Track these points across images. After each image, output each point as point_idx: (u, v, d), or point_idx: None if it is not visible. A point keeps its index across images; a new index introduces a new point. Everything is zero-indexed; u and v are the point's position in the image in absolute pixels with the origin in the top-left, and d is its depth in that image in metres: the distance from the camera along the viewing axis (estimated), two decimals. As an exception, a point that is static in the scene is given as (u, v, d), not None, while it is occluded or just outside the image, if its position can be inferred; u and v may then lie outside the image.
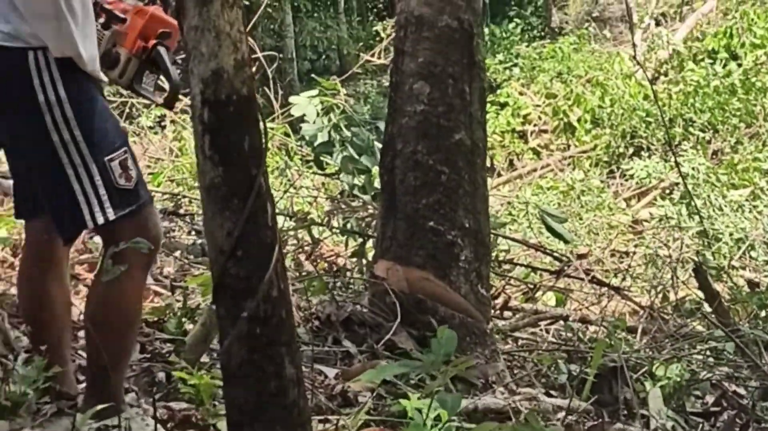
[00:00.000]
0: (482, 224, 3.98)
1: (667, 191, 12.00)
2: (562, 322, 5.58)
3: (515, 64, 17.60)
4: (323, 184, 8.31)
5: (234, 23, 1.94)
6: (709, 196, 10.70)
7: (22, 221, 2.87)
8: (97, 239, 4.70)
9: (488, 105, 3.98)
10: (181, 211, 6.76)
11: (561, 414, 3.38)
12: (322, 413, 2.89)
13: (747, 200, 10.71)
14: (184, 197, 7.20)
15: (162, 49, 2.72)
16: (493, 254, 5.53)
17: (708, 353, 4.74)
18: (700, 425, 3.83)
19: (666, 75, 15.24)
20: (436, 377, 2.40)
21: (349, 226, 6.04)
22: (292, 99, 7.56)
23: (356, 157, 6.60)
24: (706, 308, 5.47)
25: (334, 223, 6.24)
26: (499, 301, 5.77)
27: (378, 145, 6.50)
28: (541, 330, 5.52)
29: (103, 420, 2.42)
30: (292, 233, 5.98)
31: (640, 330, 5.32)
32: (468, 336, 3.76)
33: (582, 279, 6.33)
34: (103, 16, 2.70)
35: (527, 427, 2.18)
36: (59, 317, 2.77)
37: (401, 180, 3.96)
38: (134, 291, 2.55)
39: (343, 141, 6.79)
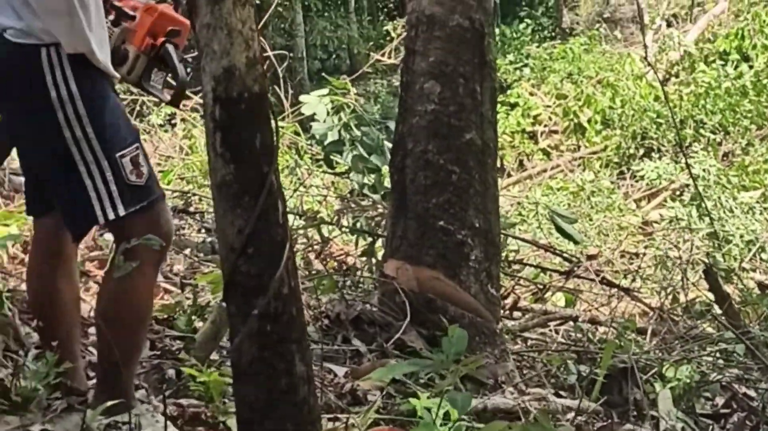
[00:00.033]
0: (492, 224, 3.98)
1: (678, 193, 11.97)
2: (571, 323, 5.58)
3: (526, 65, 17.57)
4: (333, 183, 8.31)
5: (246, 21, 1.94)
6: (719, 198, 10.66)
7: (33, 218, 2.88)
8: (108, 236, 4.72)
9: (498, 105, 3.98)
10: (191, 209, 6.78)
11: (570, 415, 3.38)
12: (332, 411, 2.90)
13: (758, 202, 10.68)
14: (194, 194, 7.21)
15: (170, 47, 2.72)
16: (503, 254, 5.52)
17: (718, 355, 4.72)
18: (710, 427, 3.83)
19: (677, 76, 15.20)
20: (445, 376, 2.40)
21: (358, 225, 6.04)
22: (302, 98, 7.57)
23: (366, 156, 6.60)
24: (717, 309, 5.46)
25: (344, 222, 6.24)
26: (509, 301, 5.76)
27: (388, 144, 6.50)
28: (550, 330, 5.51)
29: (113, 416, 2.43)
30: (301, 231, 5.98)
31: (649, 332, 5.31)
32: (477, 336, 3.76)
33: (592, 280, 6.32)
34: (113, 14, 2.71)
35: (537, 427, 2.18)
36: (69, 314, 2.78)
37: (412, 179, 3.96)
38: (145, 287, 2.56)
39: (353, 140, 6.79)
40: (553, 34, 20.86)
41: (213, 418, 2.71)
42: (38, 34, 2.45)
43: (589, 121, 14.46)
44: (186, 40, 2.86)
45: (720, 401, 4.15)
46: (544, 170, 13.52)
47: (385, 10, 23.87)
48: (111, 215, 2.48)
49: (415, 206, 3.93)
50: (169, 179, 7.70)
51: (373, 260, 5.34)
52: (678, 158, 12.53)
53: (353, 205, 6.64)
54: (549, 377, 4.08)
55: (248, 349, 1.92)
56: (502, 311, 4.67)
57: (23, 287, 3.20)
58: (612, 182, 12.59)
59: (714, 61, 14.83)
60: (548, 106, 15.15)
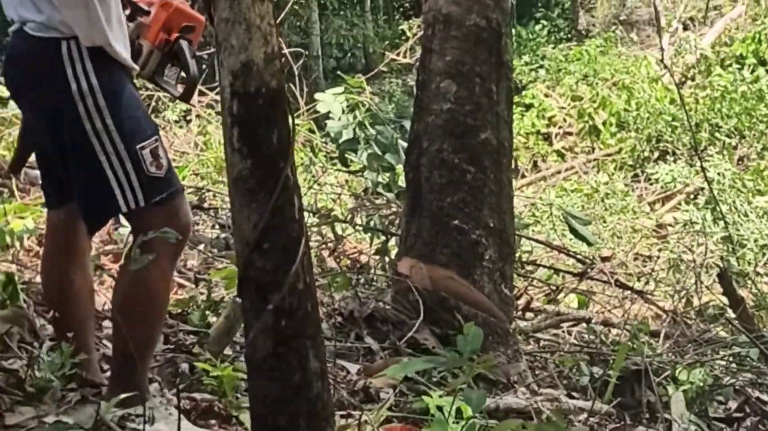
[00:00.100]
0: (507, 224, 3.97)
1: (692, 196, 11.93)
2: (584, 324, 5.56)
3: (541, 66, 17.53)
4: (347, 181, 8.31)
5: (264, 16, 1.94)
6: (734, 202, 10.62)
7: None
8: (122, 230, 4.74)
9: (513, 106, 3.98)
10: (205, 205, 6.79)
11: (583, 416, 3.37)
12: (344, 408, 2.90)
13: (773, 206, 10.63)
14: (209, 190, 7.23)
15: (184, 43, 2.73)
16: (516, 255, 5.51)
17: (731, 358, 4.71)
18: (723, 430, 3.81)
19: (693, 80, 15.14)
20: (458, 375, 2.40)
21: (372, 223, 6.04)
22: (317, 96, 7.59)
23: (381, 154, 6.61)
24: (730, 313, 5.43)
25: (358, 220, 6.24)
26: (522, 302, 5.75)
27: (402, 143, 6.51)
28: (563, 331, 5.50)
29: (127, 408, 2.44)
30: (315, 229, 5.98)
31: (662, 335, 5.29)
32: (491, 336, 3.75)
33: (605, 282, 6.30)
34: (129, 8, 2.72)
35: (551, 426, 2.17)
36: (82, 306, 2.79)
37: (426, 178, 3.96)
38: (162, 280, 2.57)
39: (367, 139, 6.80)
40: (569, 35, 20.81)
41: (226, 412, 2.72)
42: (58, 27, 2.47)
43: (603, 123, 14.42)
44: (201, 37, 2.87)
45: (733, 405, 4.13)
46: (558, 172, 13.49)
47: (401, 9, 23.84)
48: (132, 206, 2.50)
49: (430, 204, 3.92)
50: (183, 175, 7.71)
51: (387, 259, 5.34)
52: (693, 161, 12.49)
53: (367, 203, 6.64)
54: (561, 378, 4.07)
55: (263, 344, 1.92)
56: (514, 312, 4.66)
57: (38, 279, 3.22)
58: (626, 185, 12.55)
59: (730, 64, 14.77)
60: (563, 108, 15.11)
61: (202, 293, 4.03)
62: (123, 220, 4.55)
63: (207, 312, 3.73)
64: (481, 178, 3.91)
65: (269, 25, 1.95)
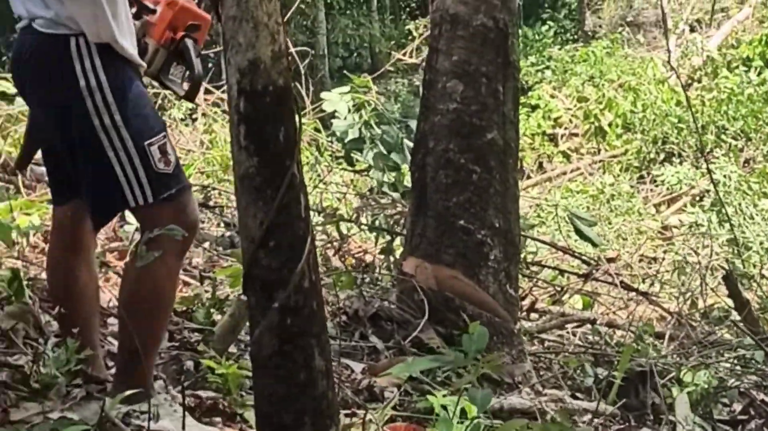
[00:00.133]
0: (512, 224, 3.97)
1: (698, 198, 11.92)
2: (589, 325, 5.56)
3: (547, 67, 17.52)
4: (352, 180, 8.31)
5: (272, 14, 1.94)
6: (740, 204, 10.61)
7: (55, 207, 2.90)
8: (128, 227, 4.74)
9: (519, 107, 3.98)
10: (211, 203, 6.79)
11: (587, 417, 3.37)
12: (349, 407, 2.90)
13: (778, 208, 10.62)
14: (214, 189, 7.24)
15: (189, 42, 2.74)
16: (521, 255, 5.51)
17: (736, 361, 4.70)
18: (727, 433, 3.81)
19: (699, 82, 15.12)
20: (462, 375, 2.40)
21: (377, 223, 6.04)
22: (323, 95, 7.59)
23: (386, 154, 6.61)
24: (735, 316, 5.43)
25: (363, 219, 6.24)
26: (526, 303, 5.74)
27: (408, 143, 6.51)
28: (567, 332, 5.50)
29: (132, 405, 2.44)
30: (320, 228, 5.99)
31: (667, 336, 5.28)
32: (495, 336, 3.74)
33: (610, 283, 6.29)
34: (135, 6, 2.73)
35: (557, 426, 2.17)
36: (87, 302, 2.80)
37: (432, 178, 3.95)
38: (168, 277, 2.57)
39: (373, 138, 6.80)
40: (576, 36, 20.80)
41: (230, 410, 2.72)
42: (67, 23, 2.48)
43: (609, 124, 14.42)
44: (207, 35, 2.88)
45: (738, 407, 4.12)
46: (564, 173, 13.48)
47: (408, 9, 23.85)
48: (140, 201, 2.51)
49: (436, 204, 3.92)
50: (189, 174, 7.69)
51: (392, 258, 5.34)
52: (699, 163, 12.48)
53: (372, 203, 6.63)
54: (566, 379, 4.07)
55: (268, 342, 1.92)
56: (519, 312, 4.65)
57: (44, 275, 3.22)
58: (632, 187, 12.55)
59: (737, 67, 14.76)
60: (569, 109, 15.11)
61: (207, 291, 4.03)
62: (129, 217, 4.56)
63: (212, 310, 3.73)
64: (487, 178, 3.91)
65: (276, 23, 1.95)
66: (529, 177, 13.66)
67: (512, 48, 4.03)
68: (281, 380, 1.93)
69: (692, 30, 17.24)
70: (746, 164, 12.89)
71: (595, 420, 3.34)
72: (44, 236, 4.44)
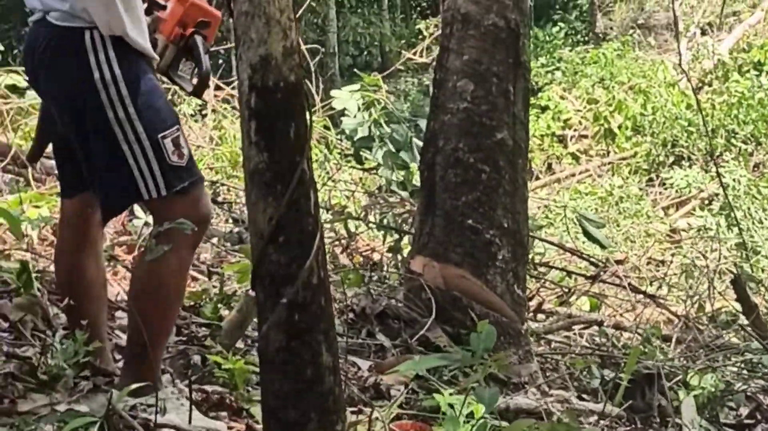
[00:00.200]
0: (521, 225, 3.97)
1: (706, 202, 11.89)
2: (596, 327, 5.55)
3: (557, 68, 17.49)
4: (361, 179, 8.32)
5: (284, 10, 1.94)
6: (749, 208, 10.59)
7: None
8: (137, 221, 4.76)
9: (529, 107, 3.99)
10: (220, 199, 6.80)
11: (593, 418, 3.36)
12: (355, 404, 2.90)
13: (788, 214, 10.60)
14: (223, 185, 7.25)
15: (198, 38, 2.74)
16: (529, 256, 5.50)
17: (743, 365, 4.69)
18: (733, 437, 3.80)
19: (710, 85, 15.09)
20: (469, 374, 2.40)
21: (385, 221, 6.04)
22: (333, 93, 7.59)
23: (395, 152, 6.61)
24: (743, 320, 5.41)
25: (371, 218, 6.24)
26: (533, 303, 5.74)
27: (417, 142, 6.51)
28: (574, 334, 5.49)
29: (139, 398, 2.45)
30: (328, 226, 5.99)
31: (674, 339, 5.28)
32: (502, 336, 3.73)
33: (618, 285, 6.29)
34: (146, 2, 2.73)
35: (563, 426, 2.17)
36: (95, 295, 2.80)
37: (441, 177, 3.95)
38: (179, 271, 2.58)
39: (382, 137, 6.80)
40: (586, 38, 20.75)
41: (237, 405, 2.72)
42: (82, 15, 2.49)
43: (619, 127, 14.39)
44: (218, 32, 2.88)
45: (744, 411, 4.12)
46: (573, 174, 13.47)
47: (418, 8, 23.84)
48: (154, 194, 2.52)
49: (444, 203, 3.92)
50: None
51: (400, 257, 5.34)
52: (708, 167, 12.45)
53: (381, 201, 6.64)
54: (572, 380, 4.06)
55: (275, 338, 1.92)
56: (526, 313, 4.65)
57: (52, 268, 3.23)
58: (640, 189, 12.53)
59: (748, 71, 14.72)
60: (579, 111, 15.08)
61: (214, 287, 4.04)
62: (138, 211, 4.57)
63: (219, 305, 3.74)
64: (496, 178, 3.91)
65: (289, 19, 1.95)
66: (538, 178, 13.64)
67: (523, 48, 4.03)
68: (288, 376, 1.93)
69: (703, 33, 17.20)
70: (756, 169, 12.86)
71: (601, 422, 3.33)
72: (53, 229, 4.45)
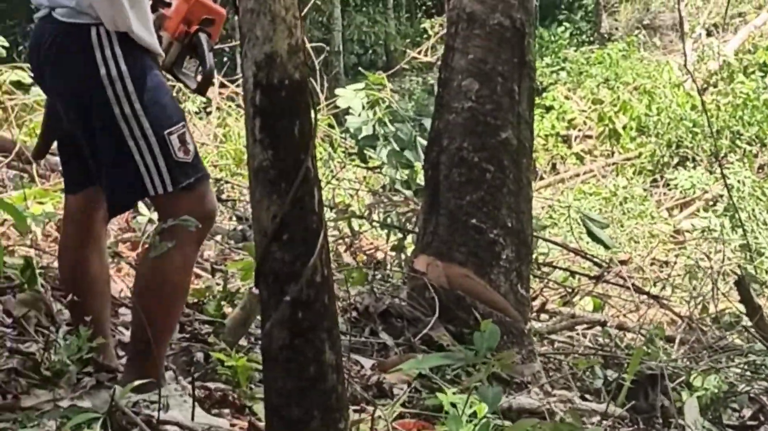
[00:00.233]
0: (525, 224, 3.97)
1: (711, 203, 11.88)
2: (599, 327, 5.55)
3: (562, 68, 17.46)
4: (365, 177, 8.32)
5: (289, 8, 1.94)
6: (753, 210, 10.58)
7: (69, 195, 2.91)
8: (140, 218, 4.76)
9: (534, 107, 3.99)
10: (223, 196, 6.81)
11: (595, 419, 3.36)
12: (358, 402, 2.90)
13: (793, 215, 10.58)
14: (227, 182, 7.25)
15: (203, 36, 2.75)
16: (533, 255, 5.50)
17: (747, 366, 4.68)
18: (736, 438, 3.79)
19: (715, 86, 15.05)
20: (472, 373, 2.39)
21: (389, 220, 6.04)
22: (338, 91, 7.60)
23: (400, 151, 6.61)
24: (746, 321, 5.41)
25: (375, 216, 6.24)
26: (537, 303, 5.74)
27: (421, 141, 6.51)
28: (577, 334, 5.49)
29: (142, 394, 2.45)
30: (332, 224, 5.99)
31: (678, 340, 5.27)
32: (506, 335, 3.74)
33: (622, 286, 6.28)
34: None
35: (566, 426, 2.17)
36: (99, 292, 2.81)
37: (445, 176, 3.95)
38: (184, 267, 2.58)
39: (386, 136, 6.80)
40: (592, 38, 20.71)
41: (240, 403, 2.73)
42: (88, 12, 2.49)
43: (624, 127, 14.36)
44: (223, 29, 2.88)
45: (747, 413, 4.11)
46: (577, 175, 13.45)
47: (424, 7, 23.81)
48: (160, 190, 2.53)
49: (448, 202, 3.92)
50: (202, 167, 7.72)
51: (403, 256, 5.34)
52: (713, 168, 12.44)
53: (385, 200, 6.64)
54: (575, 380, 4.06)
55: (279, 335, 1.92)
56: (530, 313, 4.65)
57: (56, 264, 3.24)
58: (645, 190, 12.51)
59: (753, 72, 14.69)
60: (583, 111, 15.06)
61: (218, 284, 4.04)
62: (141, 208, 4.57)
63: (223, 303, 3.74)
64: (500, 177, 3.91)
65: (294, 17, 1.95)
66: (542, 178, 13.63)
67: (528, 48, 4.03)
68: (291, 373, 1.93)
69: (709, 34, 17.15)
70: (760, 170, 12.84)
71: (604, 422, 3.33)
72: (57, 225, 4.46)
